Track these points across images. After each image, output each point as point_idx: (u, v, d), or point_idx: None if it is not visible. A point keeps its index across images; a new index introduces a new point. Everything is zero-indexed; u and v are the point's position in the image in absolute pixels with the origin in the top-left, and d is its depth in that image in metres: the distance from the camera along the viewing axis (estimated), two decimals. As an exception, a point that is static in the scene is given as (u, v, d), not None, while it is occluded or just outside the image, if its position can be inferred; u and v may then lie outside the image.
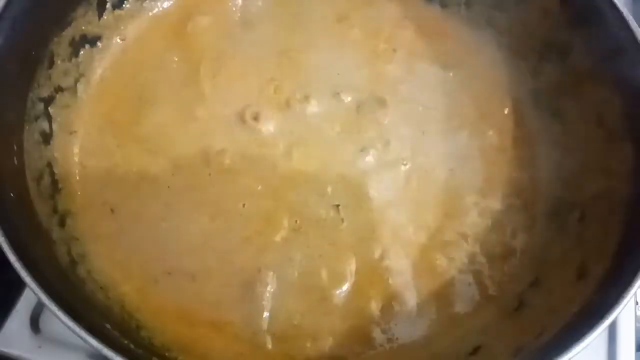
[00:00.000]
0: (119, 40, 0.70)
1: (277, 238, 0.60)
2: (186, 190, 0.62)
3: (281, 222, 0.61)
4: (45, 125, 0.62)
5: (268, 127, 0.66)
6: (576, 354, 0.46)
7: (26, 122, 0.59)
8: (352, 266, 0.60)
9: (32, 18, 0.57)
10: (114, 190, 0.62)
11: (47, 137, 0.62)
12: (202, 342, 0.57)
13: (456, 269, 0.61)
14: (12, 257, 0.46)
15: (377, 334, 0.58)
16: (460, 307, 0.60)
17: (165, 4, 0.72)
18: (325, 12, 0.73)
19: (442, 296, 0.60)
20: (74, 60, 0.65)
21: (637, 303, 0.67)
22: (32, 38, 0.59)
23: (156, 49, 0.70)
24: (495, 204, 0.64)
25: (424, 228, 0.62)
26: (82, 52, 0.66)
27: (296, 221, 0.61)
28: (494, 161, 0.66)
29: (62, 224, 0.60)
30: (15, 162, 0.56)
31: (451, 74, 0.70)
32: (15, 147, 0.57)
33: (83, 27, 0.66)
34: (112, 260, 0.60)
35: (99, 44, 0.68)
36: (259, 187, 0.63)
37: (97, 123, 0.66)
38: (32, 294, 0.46)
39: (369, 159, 0.65)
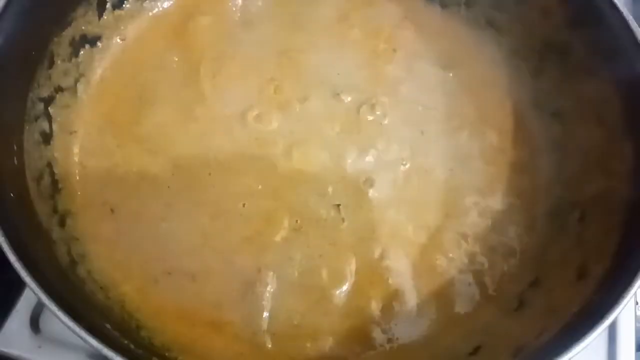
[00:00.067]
0: (119, 40, 0.70)
1: (277, 238, 0.60)
2: (186, 190, 0.62)
3: (281, 222, 0.61)
4: (45, 125, 0.62)
5: (268, 127, 0.66)
6: (576, 354, 0.46)
7: (26, 122, 0.59)
8: (352, 266, 0.60)
9: (32, 18, 0.57)
10: (114, 190, 0.62)
11: (47, 137, 0.62)
12: (202, 342, 0.57)
13: (456, 269, 0.61)
14: (12, 257, 0.46)
15: (377, 334, 0.58)
16: (460, 307, 0.60)
17: (165, 4, 0.72)
18: (325, 12, 0.73)
19: (442, 296, 0.60)
20: (74, 60, 0.65)
21: (637, 303, 0.67)
22: (32, 38, 0.59)
23: (156, 49, 0.70)
24: (495, 204, 0.64)
25: (424, 228, 0.62)
26: (82, 52, 0.66)
27: (296, 221, 0.61)
28: (494, 161, 0.66)
29: (62, 224, 0.60)
30: (15, 162, 0.56)
31: (451, 74, 0.70)
32: (15, 147, 0.57)
33: (83, 27, 0.66)
34: (112, 260, 0.59)
35: (99, 44, 0.68)
36: (259, 187, 0.63)
37: (97, 123, 0.66)
38: (32, 294, 0.46)
39: (369, 158, 0.65)
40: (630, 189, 0.56)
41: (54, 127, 0.63)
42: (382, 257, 0.60)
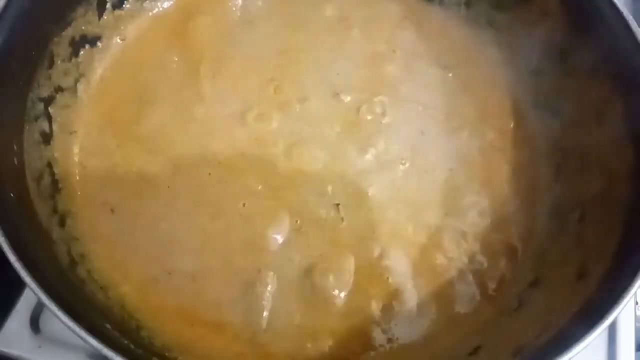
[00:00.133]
0: (119, 40, 0.70)
1: (277, 238, 0.60)
2: (186, 190, 0.62)
3: (281, 222, 0.61)
4: (45, 125, 0.62)
5: (268, 127, 0.66)
6: (576, 354, 0.46)
7: (26, 122, 0.59)
8: (351, 266, 0.60)
9: (32, 18, 0.57)
10: (114, 190, 0.62)
11: (47, 137, 0.62)
12: (202, 342, 0.57)
13: (456, 269, 0.61)
14: (12, 257, 0.46)
15: (377, 334, 0.58)
16: (460, 307, 0.60)
17: (165, 4, 0.72)
18: (325, 12, 0.73)
19: (442, 296, 0.60)
20: (74, 60, 0.65)
21: (637, 303, 0.67)
22: (32, 38, 0.59)
23: (156, 49, 0.70)
24: (495, 203, 0.64)
25: (423, 228, 0.62)
26: (82, 52, 0.66)
27: (296, 221, 0.61)
28: (494, 161, 0.66)
29: (62, 224, 0.60)
30: (15, 162, 0.56)
31: (451, 74, 0.70)
32: (15, 147, 0.57)
33: (83, 27, 0.66)
34: (112, 260, 0.60)
35: (99, 44, 0.68)
36: (259, 187, 0.63)
37: (97, 123, 0.66)
38: (32, 294, 0.46)
39: (369, 158, 0.65)
40: (630, 189, 0.56)
41: (54, 127, 0.63)
42: (381, 256, 0.60)
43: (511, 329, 0.57)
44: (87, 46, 0.67)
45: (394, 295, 0.59)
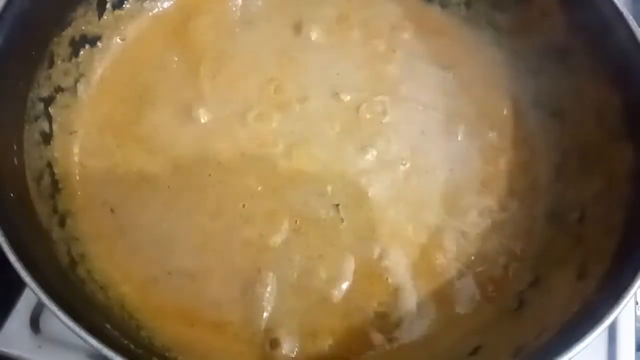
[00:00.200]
0: (119, 40, 0.70)
1: (277, 238, 0.60)
2: (186, 190, 0.62)
3: (281, 222, 0.61)
4: (45, 125, 0.62)
5: (268, 127, 0.66)
6: (576, 354, 0.46)
7: (26, 122, 0.59)
8: (351, 266, 0.60)
9: (32, 18, 0.57)
10: (114, 190, 0.62)
11: (47, 137, 0.62)
12: (202, 342, 0.57)
13: (456, 269, 0.61)
14: (12, 257, 0.46)
15: (377, 334, 0.58)
16: (460, 307, 0.60)
17: (165, 4, 0.72)
18: (325, 12, 0.73)
19: (442, 296, 0.60)
20: (74, 60, 0.65)
21: (637, 303, 0.67)
22: (32, 38, 0.59)
23: (156, 49, 0.70)
24: (495, 203, 0.64)
25: (423, 228, 0.62)
26: (82, 52, 0.66)
27: (296, 221, 0.61)
28: (493, 161, 0.66)
29: (62, 224, 0.60)
30: (15, 162, 0.56)
31: (451, 74, 0.70)
32: (15, 147, 0.57)
33: (83, 27, 0.66)
34: (112, 260, 0.59)
35: (99, 44, 0.68)
36: (259, 187, 0.63)
37: (97, 123, 0.66)
38: (32, 294, 0.46)
39: (369, 158, 0.65)
40: (630, 189, 0.56)
41: (54, 127, 0.63)
42: (381, 257, 0.60)
43: (511, 329, 0.57)
44: (87, 46, 0.67)
45: (394, 295, 0.59)
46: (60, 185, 0.62)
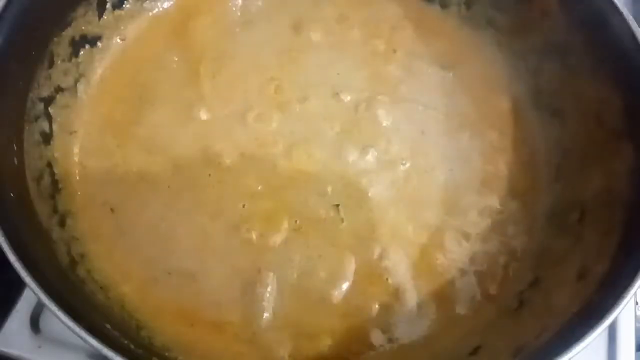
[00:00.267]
0: (119, 40, 0.70)
1: (277, 238, 0.60)
2: (186, 190, 0.62)
3: (281, 222, 0.61)
4: (45, 125, 0.62)
5: (268, 127, 0.66)
6: (576, 354, 0.46)
7: (26, 122, 0.59)
8: (351, 266, 0.60)
9: (32, 18, 0.57)
10: (114, 190, 0.62)
11: (47, 137, 0.62)
12: (202, 342, 0.57)
13: (456, 269, 0.61)
14: (12, 257, 0.46)
15: (377, 334, 0.58)
16: (460, 307, 0.60)
17: (165, 4, 0.72)
18: (325, 12, 0.73)
19: (442, 296, 0.60)
20: (74, 60, 0.65)
21: (637, 303, 0.67)
22: (32, 38, 0.59)
23: (156, 49, 0.70)
24: (495, 203, 0.64)
25: (423, 228, 0.62)
26: (82, 52, 0.66)
27: (296, 221, 0.61)
28: (494, 161, 0.66)
29: (62, 224, 0.60)
30: (15, 162, 0.56)
31: (451, 74, 0.70)
32: (15, 147, 0.57)
33: (83, 27, 0.66)
34: (112, 260, 0.60)
35: (99, 44, 0.68)
36: (259, 187, 0.63)
37: (97, 123, 0.66)
38: (32, 294, 0.46)
39: (369, 158, 0.65)
40: (630, 189, 0.56)
41: (54, 127, 0.63)
42: (381, 257, 0.60)
43: (511, 329, 0.57)
44: (87, 46, 0.67)
45: (394, 296, 0.59)
46: (60, 185, 0.62)
